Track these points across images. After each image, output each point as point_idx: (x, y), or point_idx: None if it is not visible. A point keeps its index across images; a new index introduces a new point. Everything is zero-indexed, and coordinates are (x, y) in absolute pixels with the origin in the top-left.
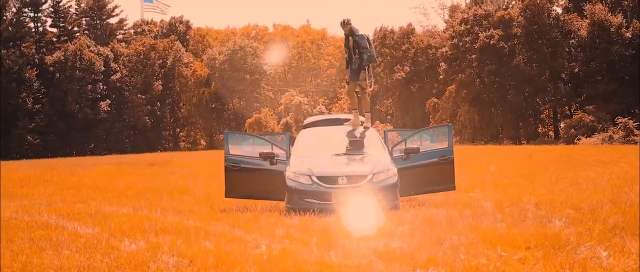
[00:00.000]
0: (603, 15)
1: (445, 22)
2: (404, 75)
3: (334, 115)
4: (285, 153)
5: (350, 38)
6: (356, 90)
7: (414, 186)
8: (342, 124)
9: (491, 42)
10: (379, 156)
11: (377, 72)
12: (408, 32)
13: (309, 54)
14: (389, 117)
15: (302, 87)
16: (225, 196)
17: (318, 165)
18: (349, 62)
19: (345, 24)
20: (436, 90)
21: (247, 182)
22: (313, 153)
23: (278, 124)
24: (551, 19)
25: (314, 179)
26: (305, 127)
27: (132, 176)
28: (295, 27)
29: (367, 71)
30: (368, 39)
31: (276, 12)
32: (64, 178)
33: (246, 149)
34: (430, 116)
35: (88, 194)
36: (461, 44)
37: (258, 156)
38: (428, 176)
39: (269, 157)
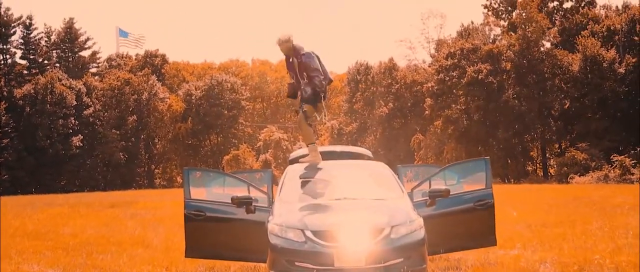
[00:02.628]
0: (595, 50)
1: (431, 57)
2: (387, 112)
3: (328, 148)
4: (266, 197)
5: (293, 59)
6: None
7: (443, 241)
8: (340, 158)
9: (479, 77)
10: (397, 202)
11: (356, 108)
12: (390, 67)
13: None
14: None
15: (281, 123)
16: (186, 255)
17: (313, 215)
18: (297, 88)
19: (283, 42)
20: (421, 126)
21: (214, 237)
22: (306, 198)
23: (257, 160)
24: (541, 54)
25: (309, 234)
26: (291, 162)
27: (84, 220)
28: (274, 62)
29: (323, 99)
30: (318, 58)
31: (255, 46)
32: (3, 222)
33: (214, 191)
34: (415, 153)
35: (20, 244)
36: (448, 78)
37: (230, 201)
38: (462, 227)
39: (245, 202)
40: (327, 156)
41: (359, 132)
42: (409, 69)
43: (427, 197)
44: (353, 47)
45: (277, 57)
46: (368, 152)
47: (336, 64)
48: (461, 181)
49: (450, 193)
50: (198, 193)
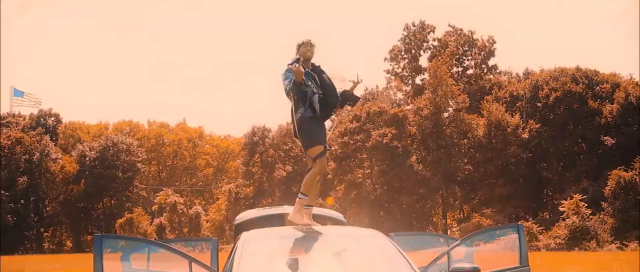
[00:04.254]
0: (500, 115)
1: (332, 121)
2: (285, 174)
3: (291, 209)
4: None
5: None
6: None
7: None
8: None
9: (384, 140)
10: None
11: (254, 171)
12: (289, 130)
13: (185, 153)
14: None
15: (177, 187)
16: None
17: None
18: (315, 104)
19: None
20: (322, 189)
21: None
22: None
23: (151, 224)
24: (448, 118)
25: None
26: (239, 228)
27: None
28: (171, 124)
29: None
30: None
31: (151, 108)
32: None
33: (138, 266)
34: None
35: None
36: (352, 142)
37: None
38: None
39: None
40: (277, 218)
41: (256, 196)
42: None
43: None
44: (252, 111)
45: (174, 119)
46: (341, 216)
47: (233, 127)
48: (487, 254)
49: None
50: (114, 269)
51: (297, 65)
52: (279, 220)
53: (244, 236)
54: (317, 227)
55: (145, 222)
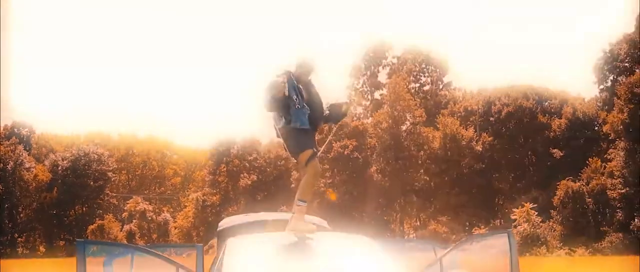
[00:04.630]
0: (455, 128)
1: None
2: (250, 183)
3: (275, 216)
4: None
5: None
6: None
7: None
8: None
9: (345, 152)
10: None
11: (220, 180)
12: (254, 142)
13: (153, 163)
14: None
15: (146, 195)
16: None
17: None
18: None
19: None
20: (285, 199)
21: None
22: None
23: (121, 230)
24: (406, 131)
25: None
26: (222, 234)
27: None
28: (140, 135)
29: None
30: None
31: (121, 119)
32: None
33: None
34: None
35: None
36: None
37: None
38: None
39: None
40: (276, 225)
41: (222, 204)
42: (272, 143)
43: None
44: (219, 123)
45: (143, 131)
46: (324, 222)
47: (200, 138)
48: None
49: None
50: None
51: (282, 78)
52: (262, 227)
53: (231, 242)
54: (310, 234)
55: (115, 228)
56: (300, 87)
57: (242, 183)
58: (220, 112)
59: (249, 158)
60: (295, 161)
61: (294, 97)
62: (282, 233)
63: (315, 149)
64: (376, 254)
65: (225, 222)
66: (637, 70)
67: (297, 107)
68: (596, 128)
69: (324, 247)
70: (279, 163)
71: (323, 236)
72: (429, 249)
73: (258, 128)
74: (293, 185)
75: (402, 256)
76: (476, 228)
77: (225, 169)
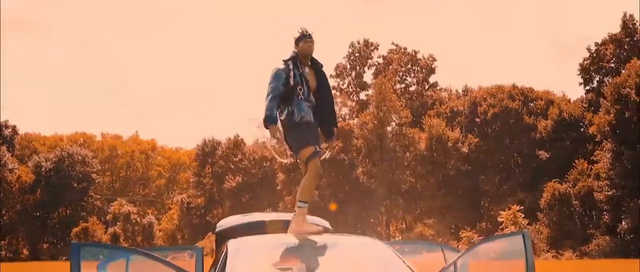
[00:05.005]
0: (441, 130)
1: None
2: (235, 185)
3: (279, 216)
4: None
5: (304, 69)
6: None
7: None
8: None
9: (331, 153)
10: None
11: (205, 182)
12: (238, 143)
13: (138, 164)
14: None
15: (130, 197)
16: None
17: None
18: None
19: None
20: (271, 200)
21: None
22: None
23: (105, 233)
24: (392, 132)
25: None
26: (221, 235)
27: None
28: (124, 136)
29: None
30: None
31: (105, 120)
32: None
33: None
34: None
35: None
36: None
37: None
38: None
39: None
40: (277, 226)
41: (207, 206)
42: (257, 145)
43: None
44: (203, 124)
45: (127, 132)
46: (326, 223)
47: (185, 140)
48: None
49: None
50: None
51: (277, 130)
52: (262, 227)
53: (232, 244)
54: (315, 236)
55: (100, 231)
56: (305, 76)
57: (227, 185)
58: (204, 113)
59: (234, 159)
60: (296, 158)
61: (299, 87)
62: (287, 235)
63: (317, 147)
64: (387, 257)
65: (223, 223)
66: (622, 71)
67: (300, 97)
68: (582, 129)
69: (335, 250)
70: (264, 164)
71: (332, 239)
72: (436, 250)
73: (242, 128)
74: (279, 187)
75: (409, 257)
76: (463, 230)
77: (210, 170)
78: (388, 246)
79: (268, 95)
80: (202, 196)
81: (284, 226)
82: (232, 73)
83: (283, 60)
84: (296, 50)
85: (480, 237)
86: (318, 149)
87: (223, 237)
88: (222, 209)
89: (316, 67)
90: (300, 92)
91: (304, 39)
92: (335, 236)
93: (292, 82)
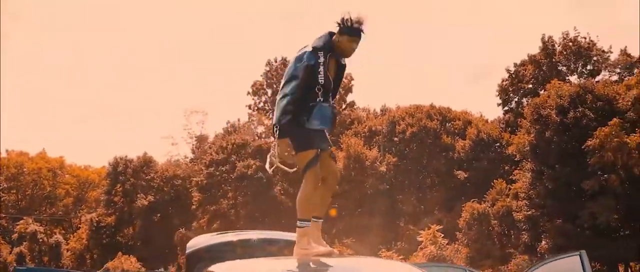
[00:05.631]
0: (358, 149)
1: (193, 152)
2: (147, 204)
3: (269, 235)
4: None
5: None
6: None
7: None
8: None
9: (249, 172)
10: None
11: (116, 201)
12: (148, 161)
13: (45, 182)
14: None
15: (37, 216)
16: None
17: None
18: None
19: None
20: (183, 220)
21: None
22: None
23: (10, 253)
24: None
25: None
26: (194, 257)
27: None
28: (31, 153)
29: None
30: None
31: (10, 137)
32: None
33: None
34: (178, 248)
35: None
36: (218, 173)
37: None
38: None
39: None
40: (265, 245)
41: (118, 225)
42: (169, 163)
43: None
44: (113, 141)
45: (34, 149)
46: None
47: (94, 157)
48: None
49: None
50: None
51: (287, 147)
52: (245, 249)
53: (216, 269)
54: (325, 258)
55: (5, 251)
56: (329, 74)
57: (138, 204)
58: (114, 130)
59: (146, 178)
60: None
61: (319, 88)
62: (294, 259)
63: (319, 150)
64: None
65: (195, 243)
66: (541, 92)
67: (319, 99)
68: (500, 149)
69: None
70: (175, 183)
71: (351, 263)
72: None
73: (153, 147)
74: (193, 206)
75: None
76: (383, 250)
77: (121, 188)
78: (417, 268)
79: (289, 95)
80: (112, 214)
81: (267, 246)
82: (143, 90)
83: (314, 48)
84: (335, 40)
85: (401, 257)
86: (319, 152)
87: (196, 259)
88: (134, 229)
89: (341, 65)
90: (319, 93)
91: (353, 36)
92: (361, 259)
93: (322, 81)
